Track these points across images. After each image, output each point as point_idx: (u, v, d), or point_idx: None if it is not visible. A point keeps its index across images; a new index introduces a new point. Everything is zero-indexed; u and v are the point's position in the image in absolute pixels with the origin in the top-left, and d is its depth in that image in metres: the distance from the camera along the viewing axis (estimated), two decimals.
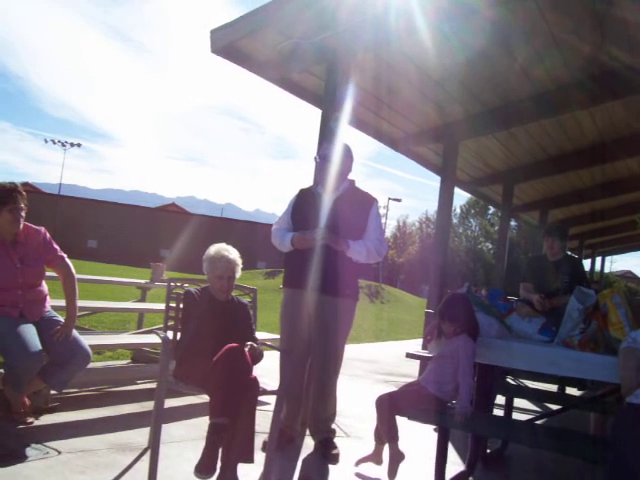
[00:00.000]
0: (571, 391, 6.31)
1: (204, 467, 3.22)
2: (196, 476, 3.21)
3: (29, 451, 3.58)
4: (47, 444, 3.72)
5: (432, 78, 6.39)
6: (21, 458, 3.46)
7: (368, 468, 3.96)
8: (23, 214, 4.08)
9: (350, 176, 4.41)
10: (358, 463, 4.00)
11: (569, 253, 6.14)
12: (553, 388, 6.44)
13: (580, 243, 19.09)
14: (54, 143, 67.48)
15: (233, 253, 3.81)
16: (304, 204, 4.34)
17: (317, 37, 5.24)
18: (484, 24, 5.30)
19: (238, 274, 3.83)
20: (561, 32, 5.54)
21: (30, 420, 4.09)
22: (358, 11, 5.03)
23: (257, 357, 3.65)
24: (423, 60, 5.80)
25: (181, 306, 3.82)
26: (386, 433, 3.82)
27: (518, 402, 5.28)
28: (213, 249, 3.82)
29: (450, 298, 3.89)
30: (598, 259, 25.30)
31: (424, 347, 4.48)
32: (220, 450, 3.29)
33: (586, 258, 22.47)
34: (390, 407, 3.78)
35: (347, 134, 5.83)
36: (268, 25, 5.25)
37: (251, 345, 3.56)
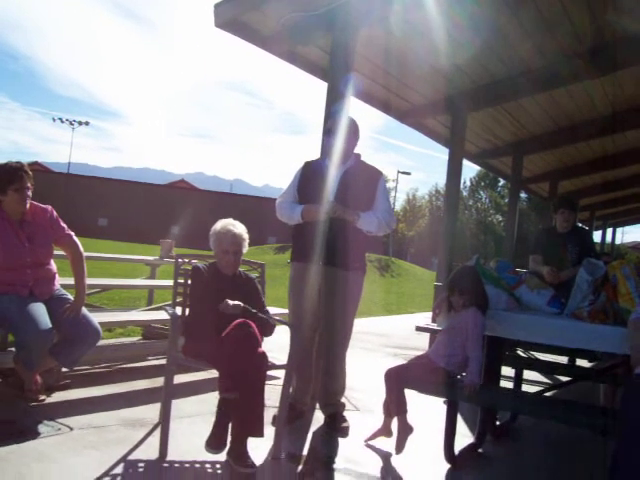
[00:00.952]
0: (582, 363, 6.31)
1: (214, 442, 3.25)
2: (207, 450, 3.24)
3: (42, 428, 3.62)
4: (59, 421, 3.76)
5: (439, 49, 6.30)
6: (34, 435, 3.50)
7: (377, 441, 3.99)
8: (29, 193, 4.07)
9: (357, 150, 4.40)
10: (368, 440, 4.02)
11: (579, 225, 6.10)
12: (563, 360, 6.43)
13: (591, 214, 18.98)
14: (62, 122, 67.61)
15: (239, 228, 3.81)
16: (311, 177, 4.31)
17: (322, 9, 5.18)
18: None
19: (245, 249, 3.83)
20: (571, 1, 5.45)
21: (42, 397, 4.14)
22: None
23: (267, 329, 3.66)
24: (430, 31, 5.71)
25: (189, 282, 3.83)
26: (394, 406, 3.83)
27: (528, 374, 5.28)
28: (219, 224, 3.82)
29: (459, 271, 3.89)
30: (609, 230, 25.22)
31: (434, 320, 4.48)
32: (230, 424, 3.32)
33: (597, 229, 22.36)
34: (398, 380, 3.79)
35: (354, 107, 5.79)
36: None
37: (245, 308, 3.57)
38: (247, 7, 5.35)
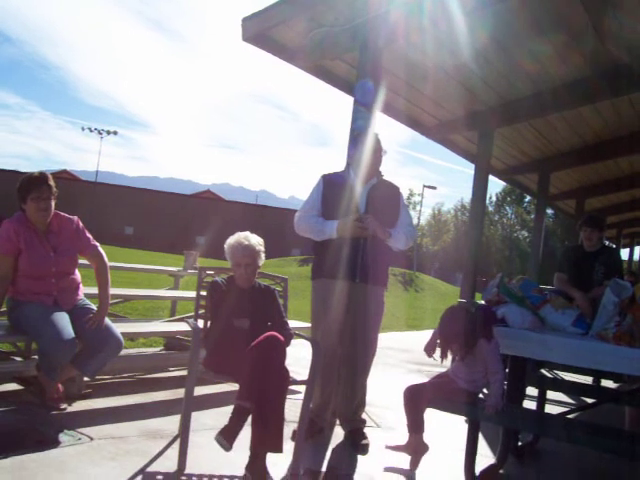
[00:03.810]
0: (607, 383, 6.21)
1: (225, 435, 3.24)
2: (215, 438, 3.24)
3: (62, 437, 3.64)
4: (80, 430, 3.77)
5: (466, 64, 6.29)
6: (54, 444, 3.51)
7: (398, 459, 3.94)
8: (52, 204, 4.15)
9: (382, 165, 4.41)
10: (390, 449, 3.98)
11: (606, 243, 6.03)
12: (588, 380, 6.34)
13: (618, 232, 18.77)
14: (91, 131, 68.57)
15: (252, 240, 3.81)
16: (335, 191, 4.26)
17: (349, 24, 5.19)
18: (518, 8, 5.19)
19: (260, 261, 3.83)
20: (598, 13, 5.39)
21: (63, 406, 4.16)
22: None
23: (286, 340, 3.65)
24: (457, 46, 5.70)
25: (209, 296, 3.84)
26: (410, 424, 3.79)
27: (552, 394, 5.20)
28: (233, 237, 3.83)
29: (447, 319, 3.73)
30: (637, 248, 24.89)
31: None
32: (250, 439, 3.30)
33: (624, 247, 22.12)
34: (417, 399, 3.75)
35: (380, 122, 5.78)
36: (299, 13, 5.21)
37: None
38: (274, 22, 5.39)
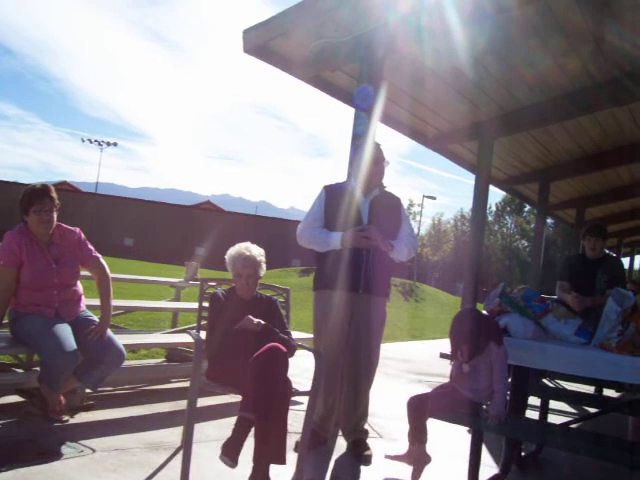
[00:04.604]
0: (609, 392, 6.20)
1: (228, 451, 3.22)
2: (220, 458, 3.21)
3: (64, 449, 3.63)
4: (82, 442, 3.76)
5: (466, 75, 6.31)
6: (57, 456, 3.51)
7: (400, 470, 3.92)
8: (54, 216, 4.15)
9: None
10: (389, 458, 3.96)
11: (607, 252, 6.04)
12: (590, 389, 6.33)
13: (619, 241, 18.76)
14: (91, 142, 68.86)
15: (253, 251, 3.80)
16: (340, 204, 4.21)
17: (349, 36, 5.21)
18: (518, 20, 5.22)
19: (261, 272, 3.82)
20: (598, 26, 5.42)
21: (66, 418, 4.14)
22: (391, 9, 4.99)
23: (288, 350, 3.63)
24: (457, 57, 5.72)
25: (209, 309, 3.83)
26: (413, 435, 3.78)
27: (554, 404, 5.19)
28: (234, 248, 3.83)
29: (457, 324, 3.72)
30: (638, 257, 24.89)
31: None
32: (252, 450, 3.29)
33: (625, 256, 22.11)
34: (420, 409, 3.73)
35: (380, 132, 5.79)
36: (300, 24, 5.23)
37: (266, 325, 3.59)
38: (275, 34, 5.40)
